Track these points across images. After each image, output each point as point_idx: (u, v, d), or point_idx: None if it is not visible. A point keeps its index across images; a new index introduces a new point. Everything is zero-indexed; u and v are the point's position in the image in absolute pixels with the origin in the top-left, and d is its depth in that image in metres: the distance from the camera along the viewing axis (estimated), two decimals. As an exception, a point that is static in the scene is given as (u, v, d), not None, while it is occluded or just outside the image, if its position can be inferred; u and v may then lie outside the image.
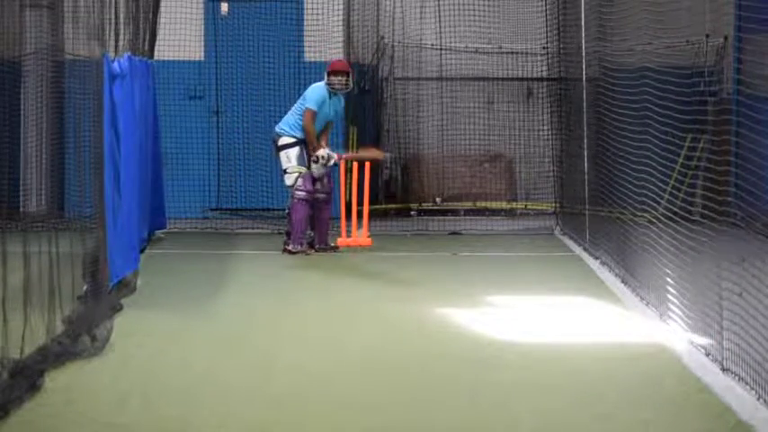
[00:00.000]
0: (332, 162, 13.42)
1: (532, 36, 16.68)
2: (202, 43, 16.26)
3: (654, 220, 10.16)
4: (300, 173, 13.36)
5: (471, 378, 7.91)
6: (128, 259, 10.62)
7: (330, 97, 13.43)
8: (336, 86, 13.40)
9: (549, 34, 16.25)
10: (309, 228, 13.61)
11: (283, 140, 13.44)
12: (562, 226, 15.57)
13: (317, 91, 13.43)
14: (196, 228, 15.58)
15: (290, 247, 13.42)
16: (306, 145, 13.40)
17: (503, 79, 17.19)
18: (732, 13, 11.73)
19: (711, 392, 7.41)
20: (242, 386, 7.60)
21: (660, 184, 10.45)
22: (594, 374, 8.00)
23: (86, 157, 9.87)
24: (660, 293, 9.69)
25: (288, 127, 13.46)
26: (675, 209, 9.84)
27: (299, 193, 13.36)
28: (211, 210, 16.25)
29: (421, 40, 17.11)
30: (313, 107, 13.33)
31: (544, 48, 16.50)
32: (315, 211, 13.49)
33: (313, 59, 16.07)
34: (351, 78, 13.51)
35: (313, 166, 13.36)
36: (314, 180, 13.37)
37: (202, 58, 16.27)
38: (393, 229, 15.78)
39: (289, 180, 13.45)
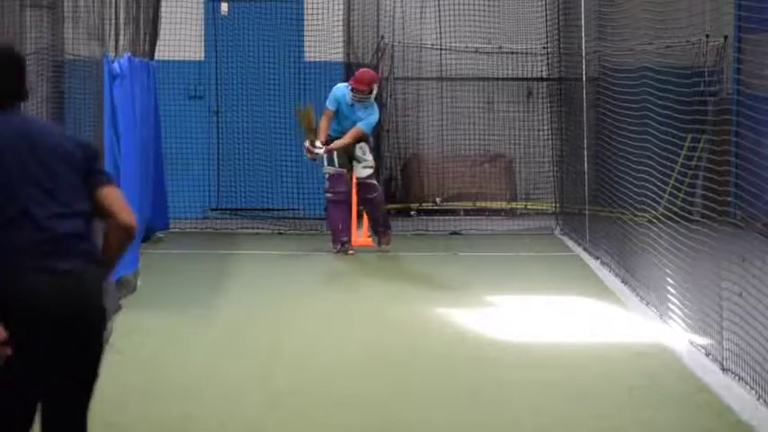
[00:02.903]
0: (319, 157, 13.46)
1: (532, 36, 16.67)
2: (202, 43, 16.25)
3: (654, 220, 10.17)
4: (328, 173, 13.41)
5: (471, 378, 7.92)
6: (128, 259, 10.61)
7: (352, 102, 13.40)
8: (355, 96, 13.40)
9: (549, 34, 16.25)
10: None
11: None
12: (562, 226, 15.57)
13: (334, 90, 13.47)
14: (196, 228, 15.56)
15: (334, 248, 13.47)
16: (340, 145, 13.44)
17: (503, 79, 17.17)
18: (732, 13, 11.74)
19: (711, 392, 7.42)
20: (242, 385, 7.60)
21: (660, 184, 10.46)
22: (594, 374, 8.00)
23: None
24: (660, 293, 9.69)
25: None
26: (675, 209, 9.85)
27: (327, 195, 13.44)
28: (211, 210, 16.24)
29: (421, 40, 17.10)
30: (329, 106, 13.39)
31: (544, 48, 16.49)
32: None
33: (313, 59, 16.06)
34: (372, 92, 13.44)
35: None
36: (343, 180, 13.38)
37: (202, 58, 16.26)
38: (393, 229, 15.76)
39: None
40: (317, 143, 13.35)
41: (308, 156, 13.53)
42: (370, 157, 13.41)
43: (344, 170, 13.42)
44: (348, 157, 13.42)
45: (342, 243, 13.41)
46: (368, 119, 13.39)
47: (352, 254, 13.39)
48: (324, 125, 13.43)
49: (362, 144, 13.39)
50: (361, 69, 13.86)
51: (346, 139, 13.37)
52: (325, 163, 13.42)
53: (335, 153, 13.38)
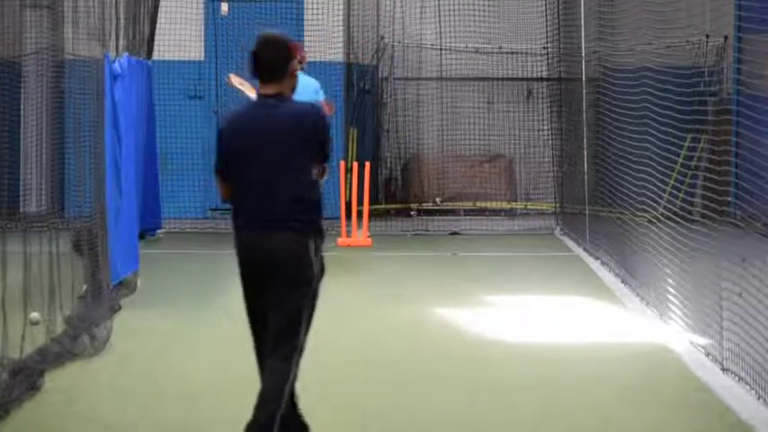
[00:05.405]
0: None
1: (532, 36, 16.69)
2: (202, 43, 16.25)
3: (654, 220, 10.17)
4: None
5: (471, 378, 7.91)
6: (128, 259, 10.62)
7: None
8: None
9: (549, 34, 16.25)
10: None
11: None
12: (562, 226, 15.57)
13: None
14: (196, 228, 15.57)
15: None
16: None
17: (503, 79, 17.19)
18: (732, 13, 11.75)
19: (711, 392, 7.41)
20: (241, 386, 7.59)
21: (660, 184, 10.46)
22: (595, 374, 8.00)
23: (86, 156, 9.86)
24: (660, 293, 9.69)
25: None
26: (675, 209, 9.85)
27: None
28: (211, 210, 16.24)
29: (421, 40, 17.11)
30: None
31: (544, 48, 16.50)
32: None
33: (313, 59, 16.06)
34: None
35: None
36: None
37: (202, 58, 16.26)
38: (393, 229, 15.77)
39: None
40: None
41: None
42: None
43: None
44: None
45: None
46: None
47: None
48: None
49: None
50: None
51: None
52: None
53: None
